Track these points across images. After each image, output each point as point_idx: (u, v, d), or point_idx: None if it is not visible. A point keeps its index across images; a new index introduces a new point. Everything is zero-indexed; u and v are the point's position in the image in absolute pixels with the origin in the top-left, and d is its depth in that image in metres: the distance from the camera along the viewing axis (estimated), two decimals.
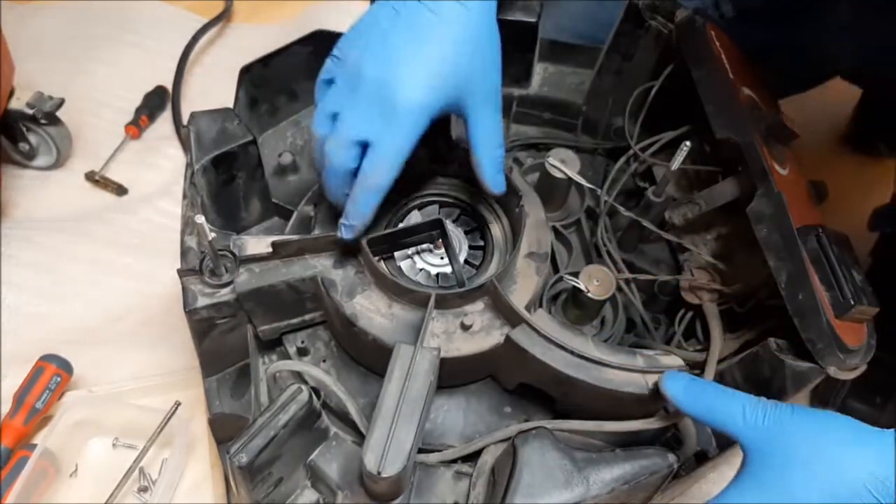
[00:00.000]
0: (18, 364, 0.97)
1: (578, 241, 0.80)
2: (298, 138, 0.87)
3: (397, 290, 0.65)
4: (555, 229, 0.78)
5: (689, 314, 0.76)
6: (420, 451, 0.65)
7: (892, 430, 0.52)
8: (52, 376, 0.93)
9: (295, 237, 0.66)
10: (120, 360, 1.02)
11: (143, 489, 0.90)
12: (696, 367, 0.69)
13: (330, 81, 0.63)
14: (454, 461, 0.66)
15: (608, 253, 0.77)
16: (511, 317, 0.63)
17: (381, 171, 0.60)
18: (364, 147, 0.61)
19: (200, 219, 0.60)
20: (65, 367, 0.95)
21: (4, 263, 1.08)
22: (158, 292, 1.07)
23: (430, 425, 0.67)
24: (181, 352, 1.00)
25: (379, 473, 0.54)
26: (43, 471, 0.87)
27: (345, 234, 0.64)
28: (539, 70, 0.89)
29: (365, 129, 0.60)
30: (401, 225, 0.73)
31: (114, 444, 0.94)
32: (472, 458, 0.66)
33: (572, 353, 0.61)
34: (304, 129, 0.87)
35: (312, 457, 0.64)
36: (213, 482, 0.90)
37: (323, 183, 0.65)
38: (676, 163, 0.71)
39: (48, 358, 0.94)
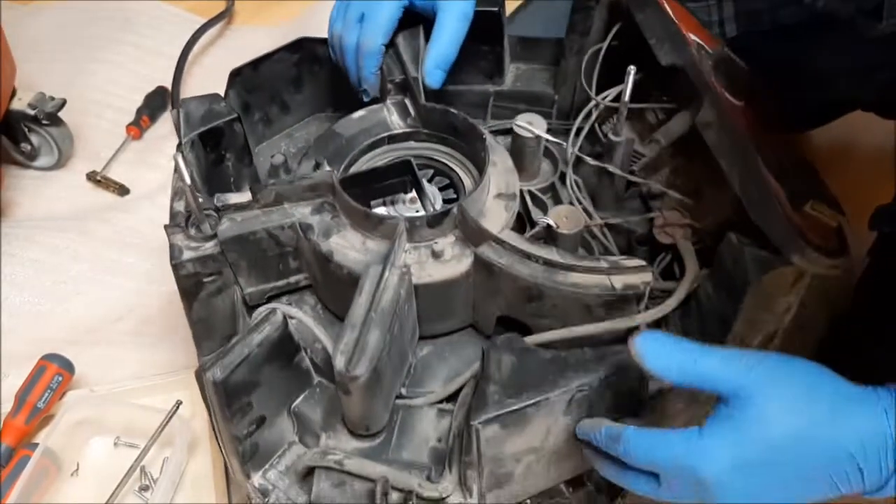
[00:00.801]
0: (20, 363, 0.97)
1: (554, 204, 0.81)
2: (291, 147, 0.90)
3: (370, 223, 0.67)
4: (531, 193, 0.79)
5: (668, 258, 0.76)
6: (404, 398, 0.68)
7: (877, 388, 0.52)
8: (53, 375, 0.94)
9: (272, 182, 0.69)
10: (121, 359, 1.02)
11: (145, 488, 0.91)
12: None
13: None
14: (437, 403, 0.68)
15: (584, 210, 0.77)
16: (479, 238, 0.65)
17: (372, 36, 0.78)
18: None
19: (178, 157, 0.63)
20: (66, 366, 0.95)
21: (6, 263, 1.08)
22: (160, 292, 1.07)
23: (414, 374, 0.69)
24: (182, 351, 1.01)
25: (348, 372, 0.55)
26: (44, 470, 0.87)
27: (364, 97, 0.82)
28: (512, 69, 0.91)
29: (363, 6, 0.79)
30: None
31: (115, 444, 0.94)
32: (455, 398, 0.67)
33: (537, 260, 0.63)
34: (297, 139, 0.91)
35: (296, 403, 0.66)
36: (214, 481, 0.90)
37: (346, 70, 0.82)
38: (627, 92, 0.72)
39: (50, 357, 0.95)
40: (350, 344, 0.57)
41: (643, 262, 0.63)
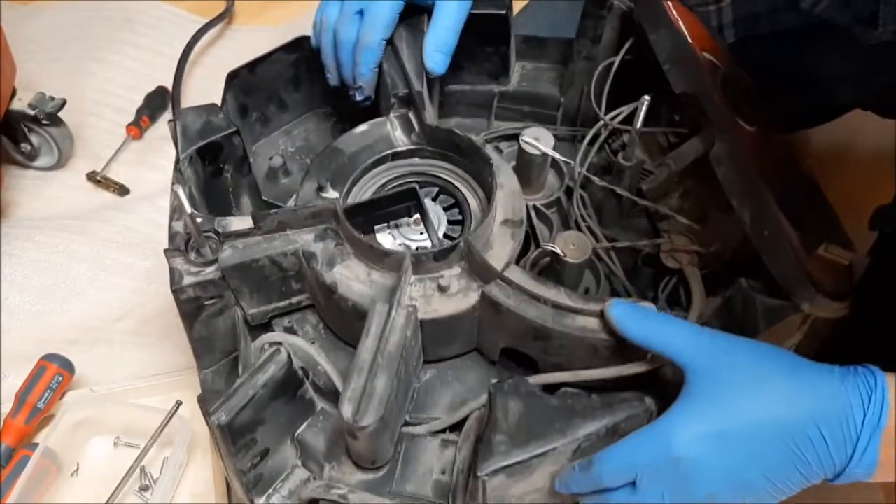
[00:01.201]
0: (20, 363, 0.97)
1: (559, 219, 0.81)
2: (290, 146, 0.89)
3: (374, 255, 0.66)
4: (536, 209, 0.79)
5: (673, 281, 0.76)
6: (408, 424, 0.67)
7: (832, 366, 0.54)
8: (53, 376, 0.93)
9: (274, 211, 0.68)
10: (121, 359, 1.02)
11: (145, 488, 0.91)
12: None
13: None
14: (441, 431, 0.67)
15: (588, 228, 0.77)
16: (486, 275, 0.65)
17: (373, 31, 0.76)
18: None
19: (178, 188, 0.62)
20: (66, 366, 0.95)
21: (6, 262, 1.08)
22: (160, 292, 1.07)
23: (417, 398, 0.68)
24: (182, 351, 1.00)
25: (356, 422, 0.55)
26: (44, 470, 0.87)
27: (358, 96, 0.80)
28: (517, 68, 0.90)
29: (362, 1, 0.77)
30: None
31: (115, 444, 0.94)
32: (459, 427, 0.67)
33: (546, 303, 0.62)
34: (295, 137, 0.90)
35: (300, 431, 0.65)
36: (214, 481, 0.90)
37: (340, 65, 0.80)
38: (639, 120, 0.71)
39: (50, 357, 0.95)
40: (357, 391, 0.56)
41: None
